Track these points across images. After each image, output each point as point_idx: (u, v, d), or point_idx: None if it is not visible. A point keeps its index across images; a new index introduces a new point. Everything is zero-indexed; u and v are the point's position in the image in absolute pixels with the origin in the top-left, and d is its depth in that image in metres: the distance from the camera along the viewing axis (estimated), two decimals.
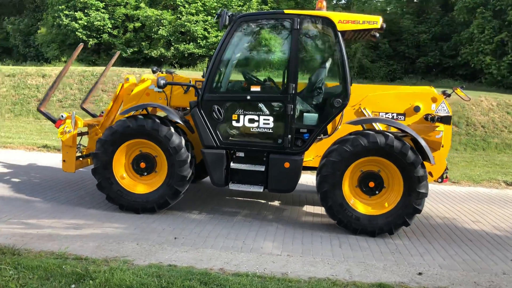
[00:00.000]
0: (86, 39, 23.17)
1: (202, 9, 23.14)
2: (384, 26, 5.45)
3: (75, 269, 3.81)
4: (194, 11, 22.94)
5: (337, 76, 5.57)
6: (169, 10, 23.77)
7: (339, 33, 5.29)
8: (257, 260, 4.52)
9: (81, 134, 6.57)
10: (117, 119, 6.19)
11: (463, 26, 21.39)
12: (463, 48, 20.88)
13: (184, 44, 22.61)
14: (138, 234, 5.11)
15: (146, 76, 6.60)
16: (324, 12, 5.35)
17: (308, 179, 8.02)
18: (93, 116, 7.47)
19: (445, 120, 5.65)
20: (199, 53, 22.69)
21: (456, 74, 22.15)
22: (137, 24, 23.31)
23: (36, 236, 4.86)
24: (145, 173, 5.90)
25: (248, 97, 5.53)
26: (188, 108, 6.10)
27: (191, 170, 5.74)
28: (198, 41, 22.58)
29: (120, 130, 5.66)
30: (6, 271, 3.76)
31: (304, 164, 6.17)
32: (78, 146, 6.49)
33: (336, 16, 5.29)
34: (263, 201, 6.79)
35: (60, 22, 23.24)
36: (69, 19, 23.07)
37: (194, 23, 22.43)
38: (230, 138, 5.67)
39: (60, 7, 23.60)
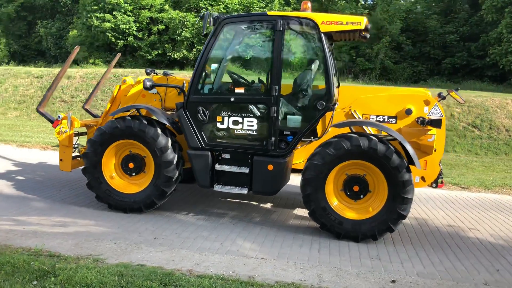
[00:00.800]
0: (114, 41, 23.81)
1: (225, 11, 23.32)
2: (369, 26, 5.34)
3: (41, 266, 3.92)
4: (217, 13, 23.12)
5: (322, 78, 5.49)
6: (193, 12, 24.08)
7: (322, 34, 5.21)
8: (228, 262, 4.51)
9: (80, 134, 6.76)
10: (107, 120, 6.32)
11: (492, 26, 20.63)
12: (491, 48, 20.15)
13: None
14: (119, 233, 5.19)
15: (142, 78, 6.70)
16: (307, 13, 5.28)
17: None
18: (95, 116, 7.66)
19: (435, 123, 5.47)
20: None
21: (485, 76, 21.39)
22: (161, 27, 23.75)
23: (21, 233, 5.02)
24: (134, 173, 5.99)
25: (232, 99, 5.53)
26: None
27: (178, 171, 5.78)
28: None
29: (108, 131, 5.78)
30: None
31: (293, 167, 6.14)
32: (76, 146, 6.67)
33: (319, 17, 5.21)
34: (255, 203, 6.77)
35: (92, 22, 23.93)
36: (99, 21, 23.78)
37: None
38: (214, 140, 5.69)
39: (92, 7, 24.34)
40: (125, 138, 5.82)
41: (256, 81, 6.28)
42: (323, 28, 5.20)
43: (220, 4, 23.39)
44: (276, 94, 5.32)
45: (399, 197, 5.11)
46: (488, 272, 4.64)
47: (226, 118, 5.58)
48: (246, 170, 5.58)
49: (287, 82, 5.78)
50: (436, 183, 5.97)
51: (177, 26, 23.14)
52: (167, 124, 5.78)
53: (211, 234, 5.33)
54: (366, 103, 5.88)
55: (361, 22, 5.17)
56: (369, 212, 5.31)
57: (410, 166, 5.18)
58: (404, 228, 5.94)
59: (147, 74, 6.70)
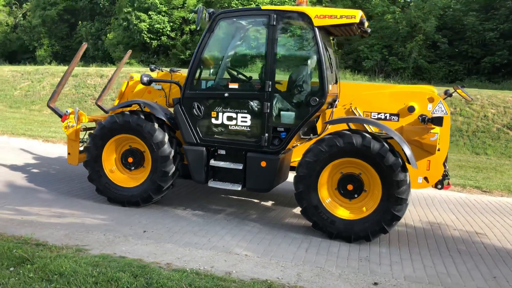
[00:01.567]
0: (149, 41, 24.39)
1: None
2: (365, 20, 5.16)
3: (22, 254, 4.04)
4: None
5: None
6: None
7: (316, 28, 5.08)
8: (209, 258, 4.48)
9: (88, 129, 6.93)
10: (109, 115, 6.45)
11: None
12: None
13: None
14: (112, 226, 5.28)
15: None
16: (300, 7, 5.17)
17: None
18: (107, 112, 7.83)
19: (436, 121, 5.20)
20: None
21: None
22: (193, 27, 24.06)
23: (18, 222, 5.21)
24: (133, 168, 6.08)
25: (226, 95, 5.50)
26: None
27: (175, 166, 5.82)
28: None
29: (108, 126, 5.90)
30: None
31: (292, 164, 6.04)
32: (84, 140, 6.85)
33: (313, 11, 5.09)
34: (255, 201, 6.71)
35: (131, 21, 24.56)
36: (138, 20, 24.42)
37: None
38: (209, 135, 5.68)
39: (129, 9, 25.03)
40: (124, 133, 5.92)
41: (249, 76, 6.21)
42: (317, 22, 5.07)
43: (252, 4, 23.42)
44: (270, 89, 5.25)
45: (393, 197, 4.91)
46: (483, 279, 4.37)
47: (220, 114, 5.55)
48: (240, 167, 5.53)
49: (281, 78, 5.68)
50: (441, 184, 5.68)
51: None
52: (165, 119, 5.83)
53: (201, 229, 5.33)
54: (368, 100, 5.69)
55: (356, 15, 5.00)
56: (363, 212, 5.14)
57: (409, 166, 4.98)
58: (404, 230, 5.71)
59: (151, 70, 6.78)
